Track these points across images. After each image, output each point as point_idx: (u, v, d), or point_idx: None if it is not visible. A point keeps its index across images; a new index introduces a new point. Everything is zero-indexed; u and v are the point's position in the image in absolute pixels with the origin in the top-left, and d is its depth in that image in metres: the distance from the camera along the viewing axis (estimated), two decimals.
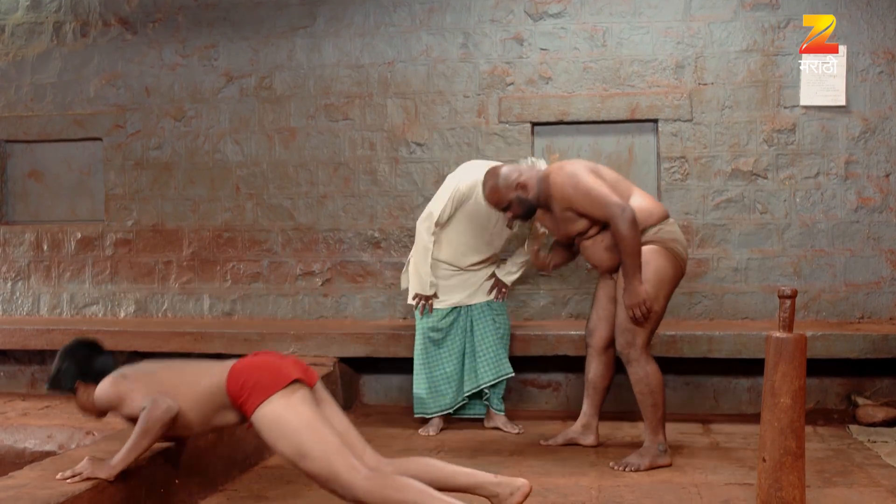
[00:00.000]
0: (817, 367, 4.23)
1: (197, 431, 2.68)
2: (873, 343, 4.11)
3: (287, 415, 2.41)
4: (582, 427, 3.72)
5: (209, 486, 3.06)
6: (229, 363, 2.57)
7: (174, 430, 2.60)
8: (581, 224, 3.44)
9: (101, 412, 2.68)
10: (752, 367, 4.32)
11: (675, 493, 3.02)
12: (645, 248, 3.33)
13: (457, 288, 4.09)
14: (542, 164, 3.69)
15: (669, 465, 3.35)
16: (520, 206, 3.53)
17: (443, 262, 4.07)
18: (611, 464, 3.36)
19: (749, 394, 4.48)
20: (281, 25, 5.07)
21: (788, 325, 2.64)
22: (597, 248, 3.47)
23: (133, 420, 2.55)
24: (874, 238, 4.56)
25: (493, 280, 4.17)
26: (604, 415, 4.46)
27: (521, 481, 2.51)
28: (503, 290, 4.16)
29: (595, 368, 3.66)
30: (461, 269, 4.09)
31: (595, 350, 3.65)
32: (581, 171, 3.39)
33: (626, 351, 3.39)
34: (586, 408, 3.73)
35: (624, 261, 3.30)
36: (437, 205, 3.98)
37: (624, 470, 3.29)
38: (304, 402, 2.45)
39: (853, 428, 4.03)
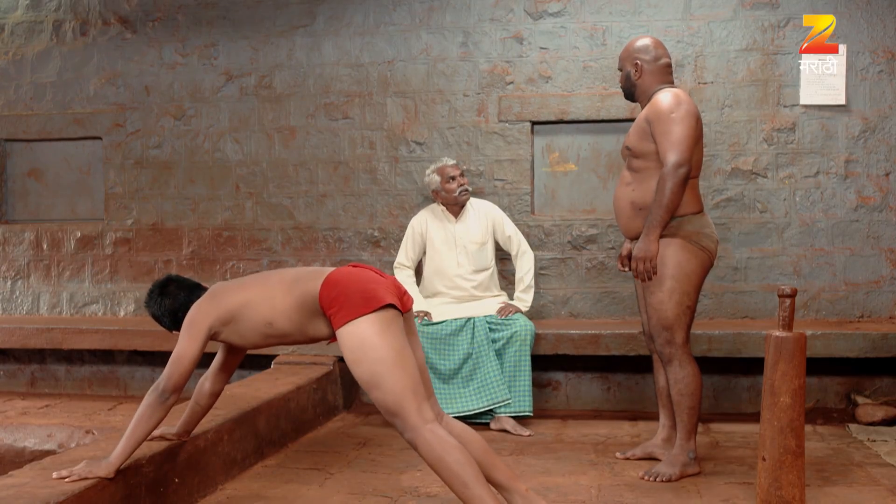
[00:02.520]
0: (817, 366, 4.24)
1: (295, 339, 2.61)
2: (873, 342, 4.11)
3: (372, 340, 2.34)
4: (662, 441, 3.46)
5: (209, 485, 3.06)
6: (326, 270, 2.51)
7: (272, 339, 2.57)
8: (645, 146, 3.22)
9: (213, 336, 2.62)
10: (752, 365, 4.33)
11: (675, 492, 3.02)
12: (664, 241, 3.16)
13: (455, 311, 4.20)
14: (668, 93, 3.28)
15: (699, 474, 3.22)
16: (624, 78, 3.42)
17: (434, 297, 4.32)
18: (640, 474, 3.21)
19: (749, 393, 4.48)
20: (281, 24, 5.07)
21: (788, 324, 2.64)
22: (634, 192, 3.27)
23: (240, 335, 2.56)
24: (874, 237, 4.56)
25: (497, 300, 4.29)
26: (604, 414, 4.49)
27: (542, 502, 2.50)
28: (511, 310, 4.18)
29: (664, 376, 3.41)
30: (456, 298, 4.27)
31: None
32: (689, 112, 3.16)
33: (665, 350, 3.21)
34: (664, 419, 3.47)
35: (652, 209, 3.12)
36: (400, 251, 4.45)
37: (655, 480, 3.14)
38: (391, 331, 2.37)
39: (853, 427, 4.03)
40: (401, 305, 2.45)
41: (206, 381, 2.81)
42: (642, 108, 3.35)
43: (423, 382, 2.48)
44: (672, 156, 3.10)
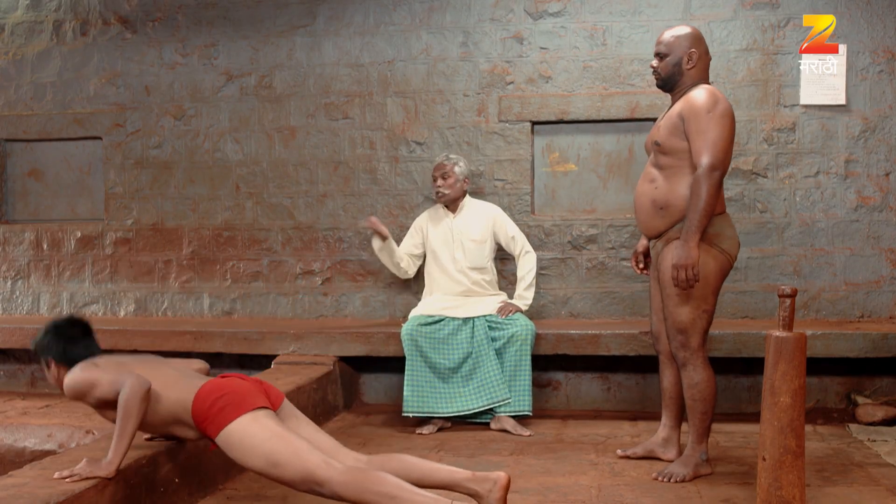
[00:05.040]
0: (817, 366, 4.24)
1: (150, 432, 2.72)
2: (873, 342, 4.11)
3: (251, 429, 2.44)
4: (663, 440, 3.43)
5: (209, 485, 3.06)
6: (198, 383, 2.59)
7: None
8: (676, 142, 3.13)
9: (72, 396, 2.68)
10: (752, 365, 4.32)
11: (675, 492, 3.02)
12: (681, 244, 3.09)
13: (454, 310, 4.19)
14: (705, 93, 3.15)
15: (711, 474, 3.20)
16: (671, 66, 3.22)
17: (434, 294, 4.34)
18: (653, 474, 3.18)
19: (749, 393, 4.48)
20: (281, 24, 5.07)
21: (788, 324, 2.64)
22: (657, 190, 3.19)
23: (103, 405, 2.57)
24: (874, 237, 4.56)
25: (497, 299, 4.28)
26: (604, 414, 4.49)
27: (497, 474, 2.48)
28: (511, 310, 4.18)
29: (669, 376, 3.37)
30: (454, 294, 4.27)
31: (665, 356, 3.37)
32: (726, 112, 3.08)
33: (680, 353, 3.15)
34: (665, 419, 3.43)
35: (689, 215, 3.03)
36: (402, 243, 4.52)
37: (668, 481, 3.12)
38: (263, 417, 2.48)
39: (853, 427, 4.03)
40: (269, 404, 2.55)
41: None
42: (673, 101, 3.25)
43: (321, 444, 2.57)
44: (706, 157, 3.02)
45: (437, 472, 2.53)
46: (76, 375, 2.60)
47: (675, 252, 3.07)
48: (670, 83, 3.28)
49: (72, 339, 2.72)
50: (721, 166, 3.04)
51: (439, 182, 4.32)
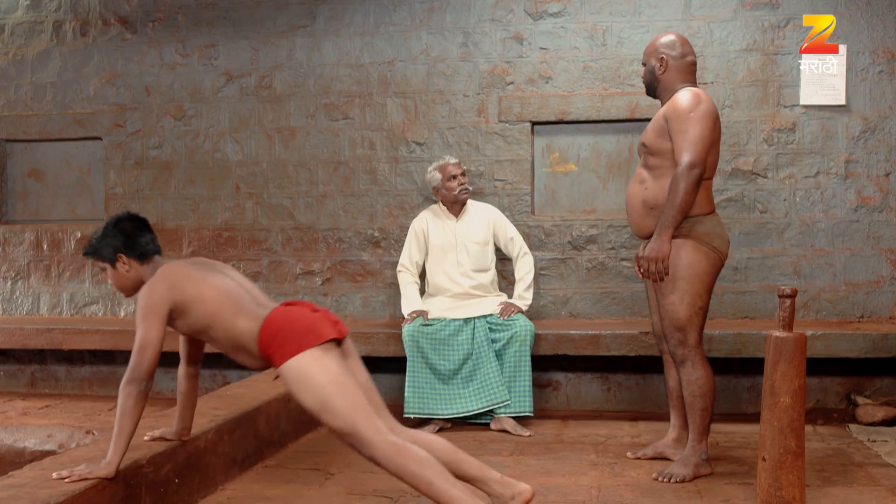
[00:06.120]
0: (817, 367, 4.24)
1: (223, 350, 2.65)
2: (873, 342, 4.11)
3: (313, 368, 2.40)
4: (673, 441, 3.45)
5: (209, 485, 3.06)
6: (264, 312, 2.54)
7: (203, 335, 2.60)
8: (662, 143, 3.21)
9: (136, 288, 2.64)
10: (752, 366, 4.32)
11: (675, 492, 3.02)
12: (676, 242, 3.15)
13: (455, 311, 4.19)
14: (688, 92, 3.24)
15: (711, 475, 3.21)
16: (648, 73, 3.36)
17: (435, 296, 4.31)
18: (654, 475, 3.19)
19: (749, 393, 4.48)
20: (281, 25, 5.07)
21: (788, 325, 2.64)
22: (647, 191, 3.25)
23: (182, 322, 2.56)
24: (874, 237, 4.56)
25: (498, 300, 4.28)
26: (604, 414, 4.49)
27: (523, 486, 2.50)
28: (512, 310, 4.18)
29: (674, 376, 3.38)
30: (455, 297, 4.25)
31: (669, 356, 3.39)
32: (707, 112, 3.14)
33: (678, 351, 3.18)
34: (674, 419, 3.45)
35: (665, 210, 3.11)
36: (403, 252, 4.42)
37: (668, 481, 3.12)
38: (328, 358, 2.44)
39: (853, 427, 4.03)
40: (336, 333, 2.51)
41: (181, 368, 2.84)
42: (662, 105, 3.32)
43: (372, 400, 2.53)
44: (686, 156, 3.09)
45: (468, 464, 2.53)
46: (163, 272, 2.58)
47: (649, 245, 3.17)
48: (650, 89, 3.41)
49: (136, 230, 2.70)
50: (700, 165, 3.10)
51: (460, 179, 4.31)
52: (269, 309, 2.56)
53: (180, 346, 2.82)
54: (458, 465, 2.50)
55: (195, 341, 2.79)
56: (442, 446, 2.53)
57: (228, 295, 2.57)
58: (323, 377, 2.39)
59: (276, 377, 2.54)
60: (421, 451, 2.36)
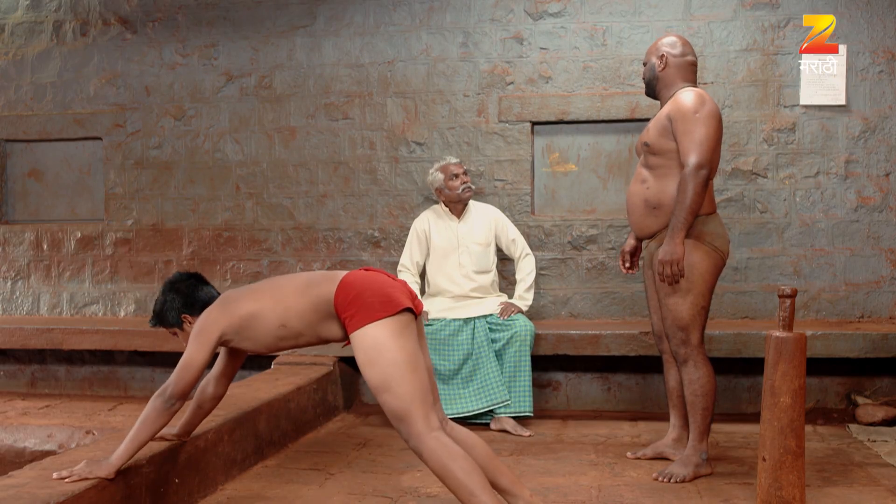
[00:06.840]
0: (817, 367, 4.24)
1: (308, 340, 2.58)
2: (873, 342, 4.11)
3: (387, 343, 2.33)
4: (673, 441, 3.45)
5: (209, 485, 3.06)
6: (340, 274, 2.49)
7: (286, 341, 2.55)
8: (664, 143, 3.20)
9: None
10: (752, 366, 4.33)
11: (675, 492, 3.02)
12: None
13: (455, 311, 4.19)
14: (690, 91, 3.23)
15: (711, 475, 3.20)
16: (648, 71, 3.36)
17: (436, 296, 4.30)
18: (654, 475, 3.19)
19: (749, 393, 4.48)
20: (281, 25, 5.07)
21: (788, 325, 2.64)
22: (648, 190, 3.25)
23: (252, 340, 2.52)
24: (874, 237, 4.56)
25: (498, 300, 4.27)
26: (604, 414, 4.49)
27: None
28: (512, 310, 4.18)
29: (674, 376, 3.39)
30: (456, 298, 4.24)
31: (669, 356, 3.39)
32: (712, 113, 3.14)
33: (680, 350, 3.18)
34: (674, 419, 3.45)
35: (675, 212, 3.09)
36: (404, 252, 4.42)
37: (668, 481, 3.12)
38: (406, 335, 2.36)
39: (853, 427, 4.03)
40: (415, 309, 2.44)
41: (209, 384, 2.79)
42: (662, 105, 3.33)
43: (432, 385, 2.48)
44: (693, 157, 3.09)
45: (503, 475, 2.51)
46: (213, 311, 2.53)
47: (662, 248, 3.15)
48: (650, 88, 3.40)
49: (193, 286, 2.67)
50: (707, 165, 3.10)
51: (462, 178, 4.31)
52: (344, 273, 2.49)
53: (219, 359, 2.78)
54: (494, 474, 2.48)
55: (233, 358, 2.76)
56: (482, 451, 2.51)
57: (290, 288, 2.52)
58: (398, 355, 2.32)
59: (346, 343, 2.47)
60: (467, 460, 2.31)
